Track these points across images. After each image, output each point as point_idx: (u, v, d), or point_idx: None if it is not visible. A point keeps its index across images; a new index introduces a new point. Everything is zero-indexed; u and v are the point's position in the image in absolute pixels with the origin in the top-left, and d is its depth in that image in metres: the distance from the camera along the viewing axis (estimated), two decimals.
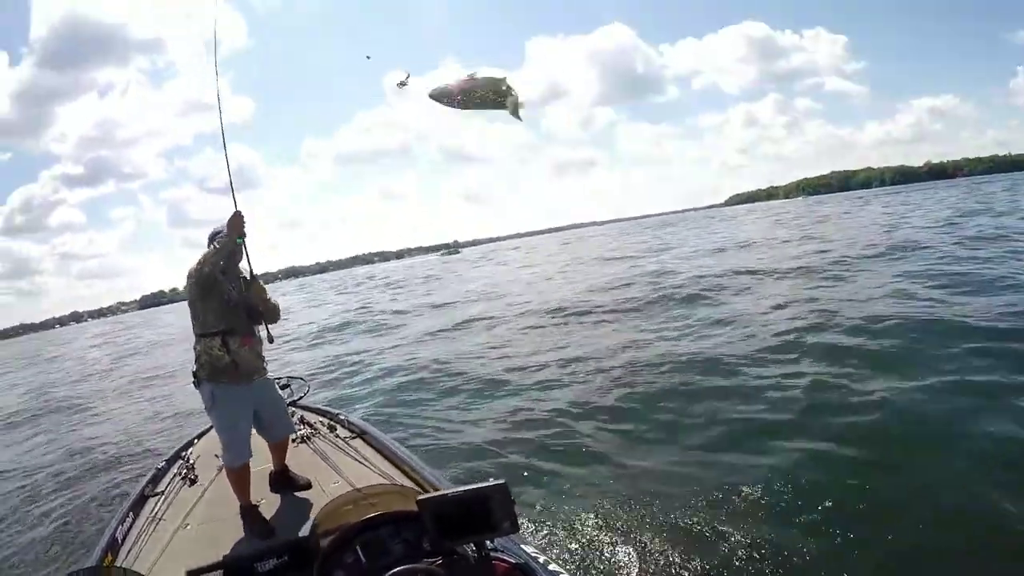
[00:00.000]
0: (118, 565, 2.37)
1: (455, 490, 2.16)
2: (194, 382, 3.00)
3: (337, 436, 4.04)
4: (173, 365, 17.37)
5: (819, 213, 40.97)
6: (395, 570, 2.03)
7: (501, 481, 2.14)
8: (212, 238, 2.98)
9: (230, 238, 2.82)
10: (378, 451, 3.66)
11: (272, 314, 3.11)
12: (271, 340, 3.17)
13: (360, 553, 2.27)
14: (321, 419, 4.41)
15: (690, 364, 7.11)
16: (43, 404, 15.25)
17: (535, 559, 2.29)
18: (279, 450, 3.31)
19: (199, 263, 2.85)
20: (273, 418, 3.20)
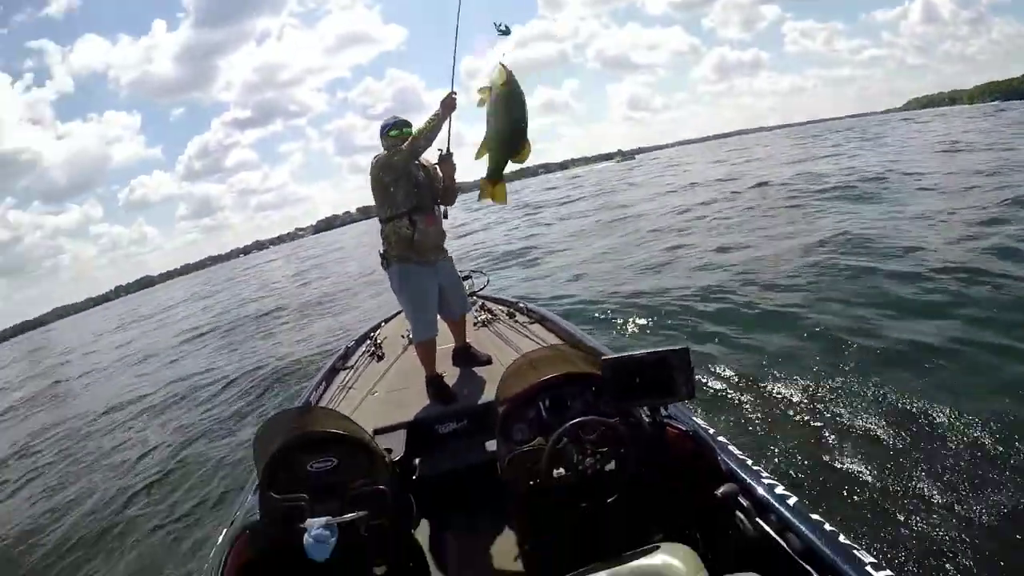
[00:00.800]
0: None
1: (638, 352, 2.19)
2: (383, 263, 3.24)
3: (516, 321, 4.17)
4: (350, 275, 19.70)
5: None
6: (577, 419, 2.18)
7: (683, 347, 2.18)
8: (385, 130, 3.18)
9: (445, 114, 2.95)
10: (557, 335, 3.72)
11: (453, 195, 3.31)
12: (446, 216, 3.35)
13: (542, 408, 2.38)
14: (501, 307, 4.61)
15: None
16: (234, 318, 17.95)
17: (705, 430, 2.30)
18: (460, 328, 3.55)
19: (388, 153, 3.07)
20: (454, 296, 3.39)
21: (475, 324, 4.17)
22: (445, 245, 3.36)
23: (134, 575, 4.30)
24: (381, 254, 3.23)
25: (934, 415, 3.72)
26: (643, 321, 7.23)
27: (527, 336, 3.77)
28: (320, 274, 24.81)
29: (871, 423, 3.83)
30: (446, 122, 3.00)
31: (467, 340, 3.60)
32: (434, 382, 3.25)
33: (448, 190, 3.27)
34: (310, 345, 10.19)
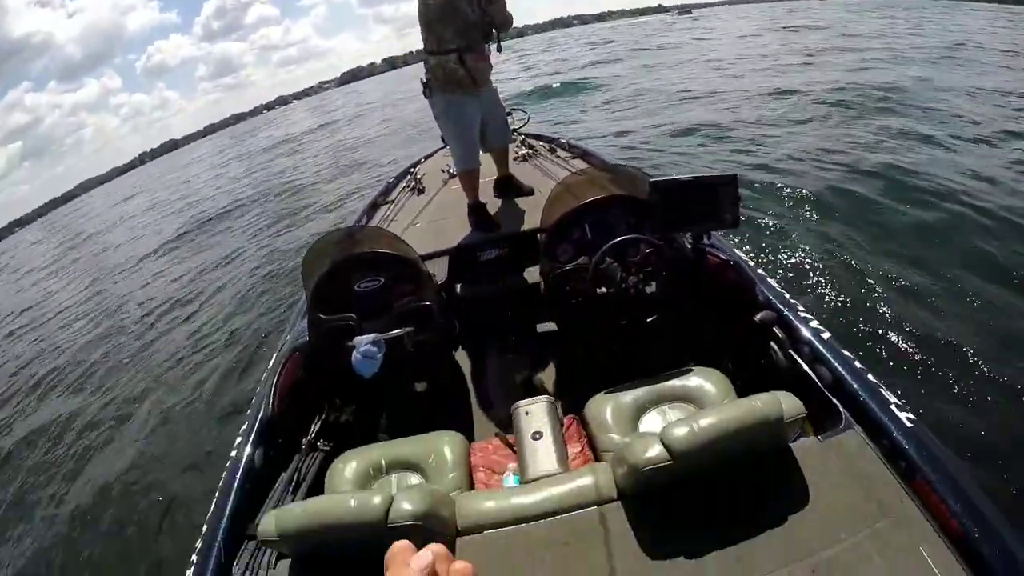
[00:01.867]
0: None
1: (685, 176, 2.15)
2: (425, 92, 3.17)
3: (558, 156, 4.16)
4: (375, 126, 19.46)
5: None
6: (625, 237, 2.22)
7: (732, 173, 2.12)
8: None
9: None
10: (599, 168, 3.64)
11: (507, 24, 3.18)
12: (500, 50, 3.32)
13: (587, 230, 2.40)
14: (542, 143, 4.59)
15: None
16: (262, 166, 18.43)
17: (745, 262, 2.28)
18: (502, 158, 3.56)
19: None
20: (496, 127, 3.38)
21: (515, 159, 4.14)
22: (491, 77, 3.30)
23: (196, 399, 4.71)
24: (424, 83, 3.13)
25: (980, 282, 3.68)
26: (693, 150, 6.98)
27: (568, 170, 3.68)
28: (351, 124, 24.62)
29: (918, 278, 3.80)
30: None
31: (509, 172, 3.61)
32: (476, 210, 3.28)
33: (504, 23, 3.15)
34: (347, 187, 10.43)
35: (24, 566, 3.55)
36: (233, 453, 1.95)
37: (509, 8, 3.13)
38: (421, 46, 3.12)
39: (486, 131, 3.32)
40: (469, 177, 3.27)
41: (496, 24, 3.11)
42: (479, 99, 3.19)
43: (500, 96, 3.45)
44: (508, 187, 3.58)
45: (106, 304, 8.98)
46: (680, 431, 1.31)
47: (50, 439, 5.13)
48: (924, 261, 3.96)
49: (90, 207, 42.35)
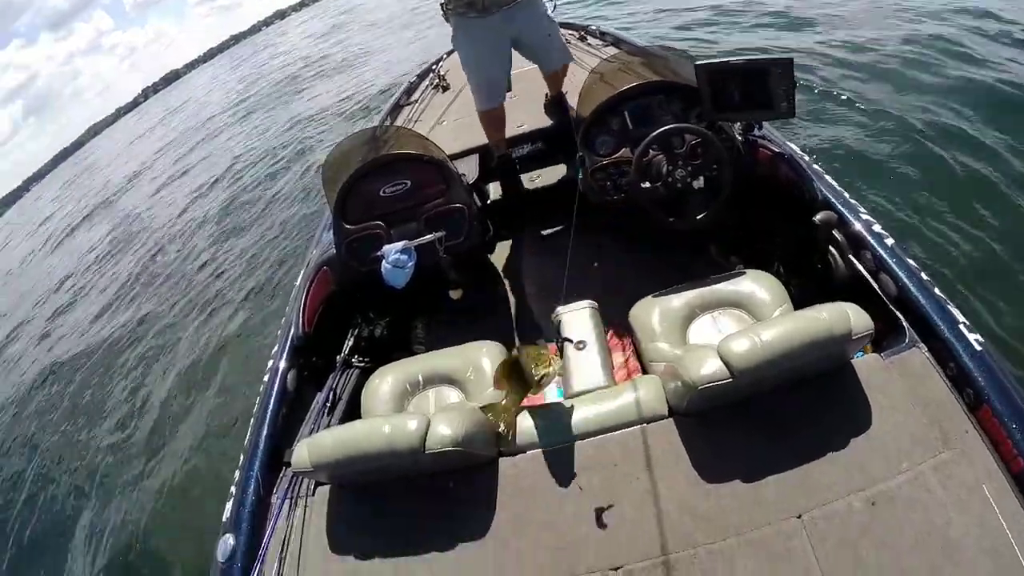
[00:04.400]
0: None
1: (736, 59, 1.95)
2: (443, 15, 2.72)
3: (589, 45, 3.92)
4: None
5: None
6: (671, 126, 2.04)
7: (788, 56, 1.89)
8: None
9: None
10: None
11: None
12: None
13: (627, 118, 2.25)
14: (571, 31, 4.31)
15: None
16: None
17: (800, 156, 2.09)
18: (556, 79, 3.05)
19: None
20: (543, 47, 2.83)
21: None
22: None
23: (226, 327, 4.84)
24: (440, 3, 2.69)
25: None
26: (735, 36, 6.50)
27: (601, 58, 3.47)
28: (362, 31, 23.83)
29: (997, 185, 3.41)
30: None
31: (561, 89, 3.10)
32: (502, 162, 2.90)
33: None
34: (368, 91, 10.38)
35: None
36: (266, 378, 1.94)
37: None
38: None
39: (533, 55, 2.86)
40: (488, 120, 2.83)
41: None
42: (506, 20, 2.62)
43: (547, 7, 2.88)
44: (559, 110, 3.11)
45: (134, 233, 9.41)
46: (740, 345, 1.23)
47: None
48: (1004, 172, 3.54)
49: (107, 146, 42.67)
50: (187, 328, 5.33)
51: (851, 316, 1.28)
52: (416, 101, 3.87)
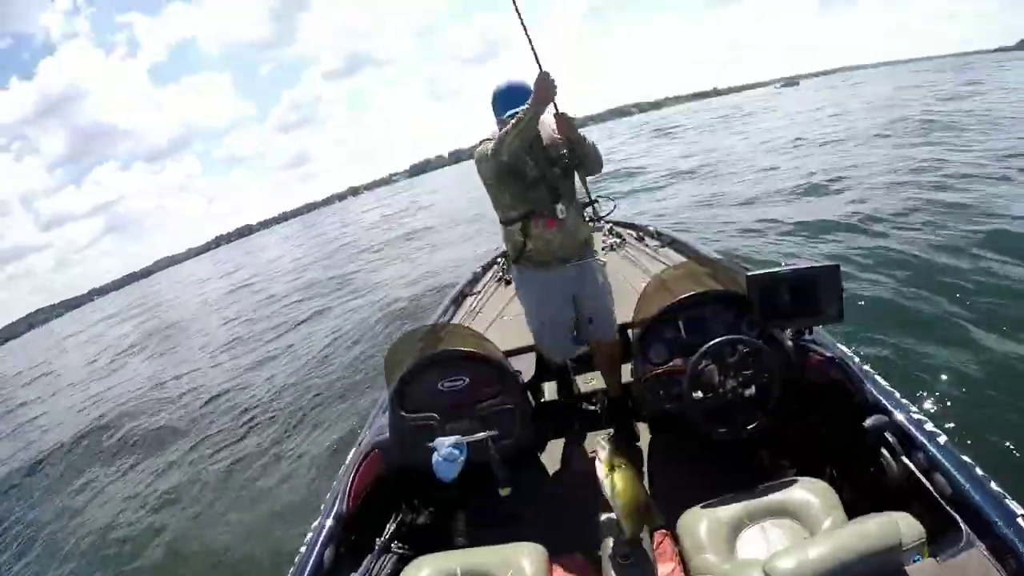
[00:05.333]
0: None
1: (785, 268, 2.12)
2: (502, 264, 3.07)
3: (646, 245, 4.14)
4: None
5: None
6: (725, 337, 2.15)
7: (834, 263, 2.07)
8: (496, 99, 2.48)
9: (536, 110, 2.16)
10: (689, 257, 3.63)
11: (593, 159, 2.47)
12: (597, 218, 2.67)
13: (681, 329, 2.34)
14: (630, 231, 4.59)
15: None
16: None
17: (851, 358, 2.15)
18: (608, 364, 2.81)
19: (494, 148, 2.30)
20: (589, 312, 2.62)
21: (604, 248, 4.23)
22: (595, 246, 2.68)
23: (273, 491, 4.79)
24: (503, 253, 2.90)
25: None
26: (787, 241, 6.94)
27: (657, 259, 3.69)
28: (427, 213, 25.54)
29: None
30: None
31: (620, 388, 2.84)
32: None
33: (584, 156, 2.43)
34: (436, 279, 10.58)
35: None
36: (303, 549, 1.94)
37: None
38: (488, 134, 2.50)
39: (580, 317, 2.64)
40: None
41: (579, 170, 2.49)
42: (563, 274, 2.53)
43: (606, 268, 2.74)
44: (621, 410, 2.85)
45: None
46: (787, 564, 1.21)
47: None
48: None
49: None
50: (214, 505, 5.21)
51: (901, 527, 1.26)
52: (480, 292, 4.02)
